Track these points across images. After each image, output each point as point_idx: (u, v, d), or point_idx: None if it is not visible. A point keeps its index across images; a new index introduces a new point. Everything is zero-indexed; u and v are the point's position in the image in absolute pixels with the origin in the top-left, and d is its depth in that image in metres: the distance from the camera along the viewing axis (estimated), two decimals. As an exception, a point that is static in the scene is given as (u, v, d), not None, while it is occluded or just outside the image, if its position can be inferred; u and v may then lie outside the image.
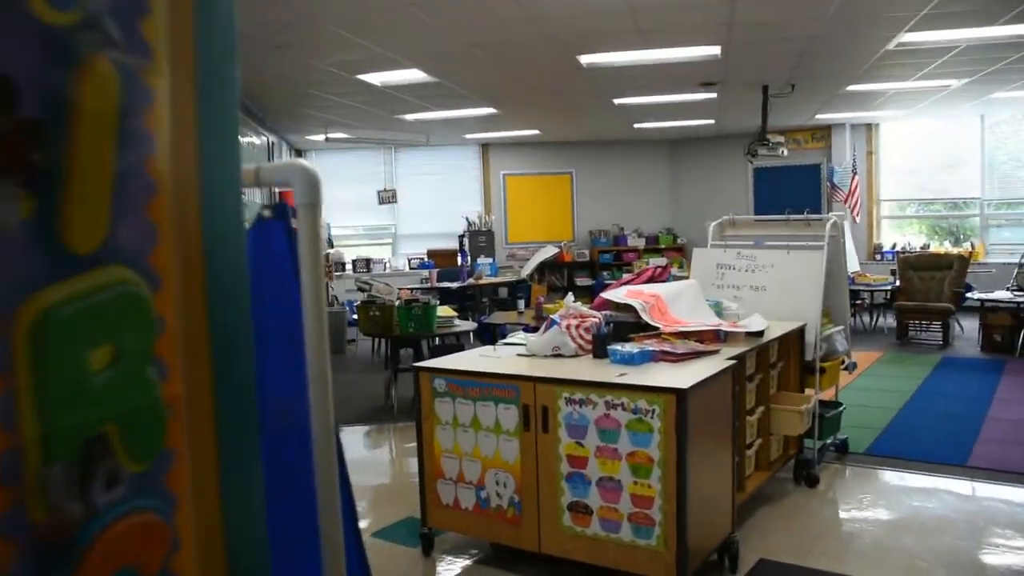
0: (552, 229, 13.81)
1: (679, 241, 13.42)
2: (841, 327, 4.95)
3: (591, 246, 13.69)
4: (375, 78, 7.25)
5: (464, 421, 3.54)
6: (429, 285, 11.35)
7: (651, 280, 4.56)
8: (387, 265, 13.60)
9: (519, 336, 4.17)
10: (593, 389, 3.17)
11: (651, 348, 3.56)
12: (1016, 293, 8.62)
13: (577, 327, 3.72)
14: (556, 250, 13.17)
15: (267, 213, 1.44)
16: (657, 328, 3.92)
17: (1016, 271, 9.14)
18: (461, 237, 13.27)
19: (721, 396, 3.41)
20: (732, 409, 3.50)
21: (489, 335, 8.03)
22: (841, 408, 4.97)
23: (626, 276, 4.86)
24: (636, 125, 11.50)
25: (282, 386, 1.39)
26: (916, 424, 5.77)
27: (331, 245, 12.65)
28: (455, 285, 11.11)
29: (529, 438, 3.36)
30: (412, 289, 11.55)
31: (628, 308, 4.03)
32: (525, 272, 12.42)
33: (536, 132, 12.18)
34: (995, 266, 10.71)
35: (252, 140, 9.11)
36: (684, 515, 3.01)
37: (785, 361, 4.57)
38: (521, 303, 8.49)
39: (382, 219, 13.77)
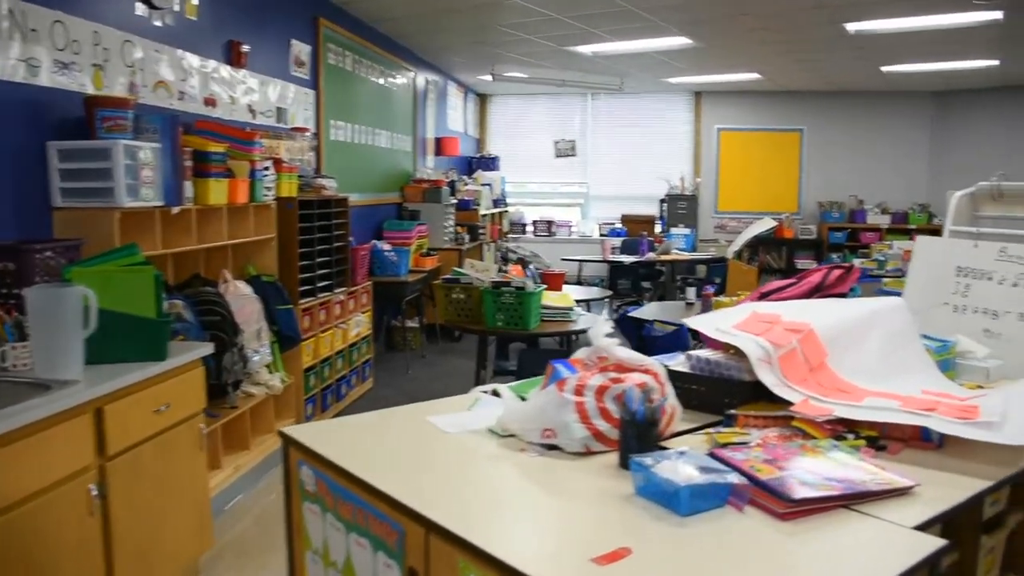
0: (772, 198, 11.46)
1: (935, 221, 10.47)
2: None
3: (820, 221, 11.12)
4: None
5: (336, 559, 1.75)
6: (602, 258, 9.47)
7: (815, 293, 2.44)
8: (572, 230, 11.89)
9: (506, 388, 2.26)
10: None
11: (733, 471, 1.52)
12: None
13: (599, 392, 1.78)
14: (774, 223, 10.79)
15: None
16: (789, 399, 1.89)
17: None
18: (662, 202, 11.29)
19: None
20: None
21: (635, 334, 6.04)
22: None
23: (774, 282, 2.74)
24: (885, 69, 8.80)
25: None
26: None
27: (503, 204, 11.08)
28: (629, 260, 9.12)
29: (414, 647, 1.50)
30: (583, 261, 9.75)
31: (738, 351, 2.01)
32: (733, 249, 10.19)
33: (756, 77, 9.80)
34: None
35: (391, 79, 7.64)
36: None
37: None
38: (692, 291, 6.37)
39: (572, 176, 11.99)
